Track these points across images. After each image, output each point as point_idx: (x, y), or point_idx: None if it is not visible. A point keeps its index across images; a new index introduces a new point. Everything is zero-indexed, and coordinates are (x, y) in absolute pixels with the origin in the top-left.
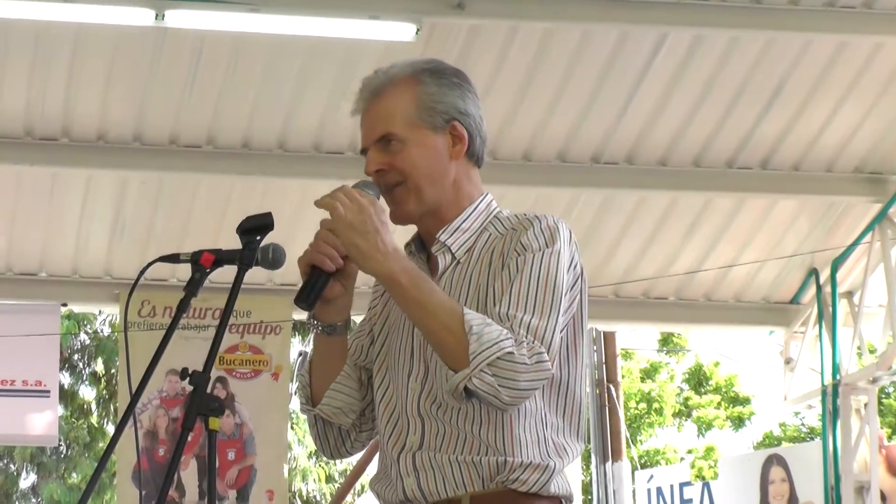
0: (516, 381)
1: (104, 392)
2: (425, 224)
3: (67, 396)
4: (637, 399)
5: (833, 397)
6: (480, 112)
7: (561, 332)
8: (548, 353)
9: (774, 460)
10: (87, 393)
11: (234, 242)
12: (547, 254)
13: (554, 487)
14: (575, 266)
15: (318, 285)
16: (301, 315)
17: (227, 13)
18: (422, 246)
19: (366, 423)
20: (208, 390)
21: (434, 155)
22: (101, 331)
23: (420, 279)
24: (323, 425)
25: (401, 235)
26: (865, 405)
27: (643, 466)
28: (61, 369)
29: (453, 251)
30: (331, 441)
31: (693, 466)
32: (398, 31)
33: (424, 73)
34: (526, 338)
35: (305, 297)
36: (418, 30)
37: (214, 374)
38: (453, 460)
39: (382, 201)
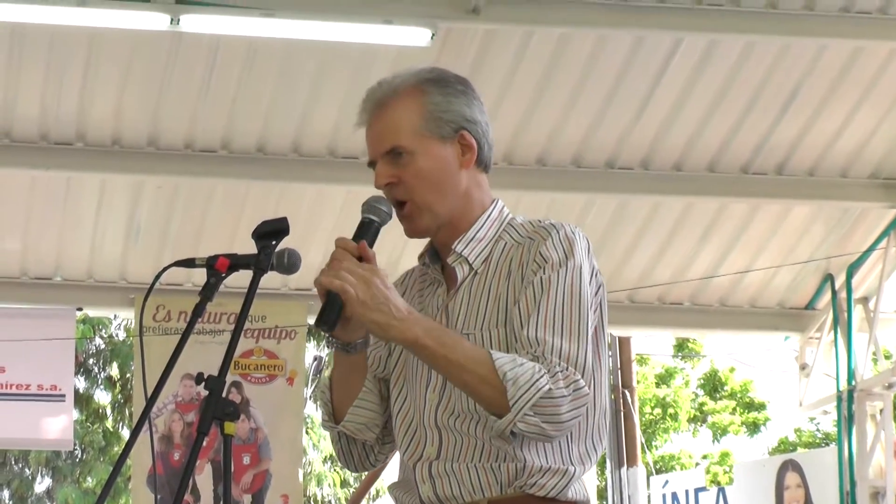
0: (559, 416)
1: (119, 396)
2: (439, 236)
3: (82, 401)
4: (652, 404)
5: (848, 403)
6: (486, 118)
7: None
8: (583, 377)
9: (790, 466)
10: (103, 397)
11: (249, 247)
12: (569, 269)
13: (571, 493)
14: (596, 275)
15: (337, 307)
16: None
17: (242, 18)
18: (436, 256)
19: (388, 435)
20: (223, 395)
21: (443, 165)
22: (117, 335)
23: (443, 336)
24: (347, 442)
25: (416, 249)
26: (881, 411)
27: (658, 472)
28: (76, 374)
29: (470, 262)
30: (355, 456)
31: (708, 472)
32: (413, 36)
33: (428, 83)
34: (560, 366)
35: (326, 320)
36: (433, 35)
37: (229, 378)
38: (471, 467)
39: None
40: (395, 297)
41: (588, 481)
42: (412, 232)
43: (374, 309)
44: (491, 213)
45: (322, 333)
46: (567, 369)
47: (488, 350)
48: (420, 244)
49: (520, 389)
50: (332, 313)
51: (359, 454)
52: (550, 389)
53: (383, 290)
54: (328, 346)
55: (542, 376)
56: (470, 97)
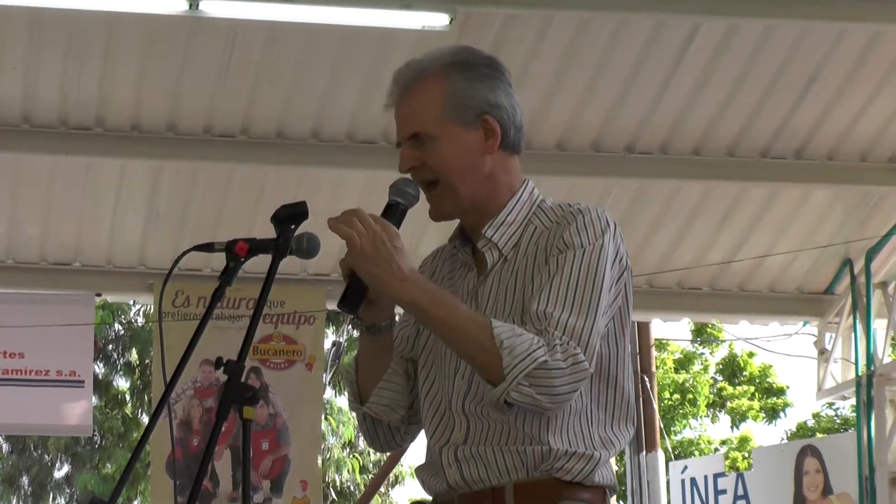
0: (554, 388)
1: (138, 382)
2: (467, 219)
3: (102, 387)
4: (671, 390)
5: (867, 388)
6: (513, 100)
7: (604, 327)
8: (584, 353)
9: (809, 451)
10: (122, 383)
11: (268, 233)
12: (589, 250)
13: (598, 477)
14: (620, 259)
15: (361, 288)
16: (335, 305)
17: (261, 3)
18: (466, 239)
19: (415, 415)
20: (242, 380)
21: (465, 151)
22: (136, 321)
23: (441, 299)
24: (372, 422)
25: (436, 231)
26: None
27: (677, 457)
28: (95, 359)
29: (500, 247)
30: (380, 437)
31: (727, 457)
32: (432, 21)
33: (453, 68)
34: (560, 339)
35: (349, 302)
36: (452, 19)
37: (248, 364)
38: (497, 450)
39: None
40: (402, 257)
41: None
42: (435, 214)
43: (375, 263)
44: (521, 196)
45: (342, 317)
46: (568, 343)
47: (490, 318)
48: (440, 229)
49: (515, 358)
50: (356, 295)
51: (384, 434)
52: (546, 361)
53: (388, 247)
54: (354, 327)
55: (539, 347)
56: (495, 80)
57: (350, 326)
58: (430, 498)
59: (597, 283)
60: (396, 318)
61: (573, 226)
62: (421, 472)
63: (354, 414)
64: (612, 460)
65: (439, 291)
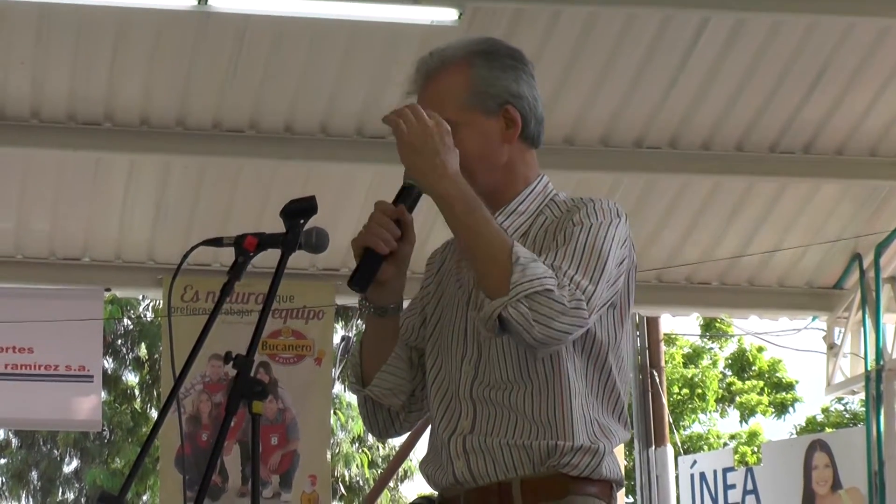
0: (551, 320)
1: (147, 377)
2: None
3: (111, 381)
4: (680, 384)
5: (876, 382)
6: (536, 93)
7: (606, 304)
8: (587, 306)
9: (818, 446)
10: (131, 378)
11: (277, 228)
12: (597, 224)
13: (605, 471)
14: (626, 245)
15: (371, 268)
16: (344, 300)
17: None
18: None
19: (415, 403)
20: (251, 375)
21: (486, 139)
22: (145, 316)
23: (475, 206)
24: (372, 406)
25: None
26: None
27: (686, 452)
28: (104, 354)
29: (509, 234)
30: (379, 422)
31: (736, 452)
32: (440, 15)
33: (477, 56)
34: (570, 284)
35: (359, 280)
36: (461, 14)
37: (257, 359)
38: (503, 444)
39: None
40: (448, 154)
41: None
42: None
43: (418, 153)
44: (534, 187)
45: (351, 312)
46: (575, 290)
47: (514, 240)
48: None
49: (525, 276)
50: (366, 274)
51: (384, 420)
52: (552, 290)
53: (436, 142)
54: (361, 309)
55: (551, 277)
56: (519, 71)
57: (357, 307)
58: (436, 493)
59: (603, 252)
60: (404, 303)
61: (583, 210)
62: (425, 467)
63: (353, 399)
64: (621, 455)
65: (474, 198)
